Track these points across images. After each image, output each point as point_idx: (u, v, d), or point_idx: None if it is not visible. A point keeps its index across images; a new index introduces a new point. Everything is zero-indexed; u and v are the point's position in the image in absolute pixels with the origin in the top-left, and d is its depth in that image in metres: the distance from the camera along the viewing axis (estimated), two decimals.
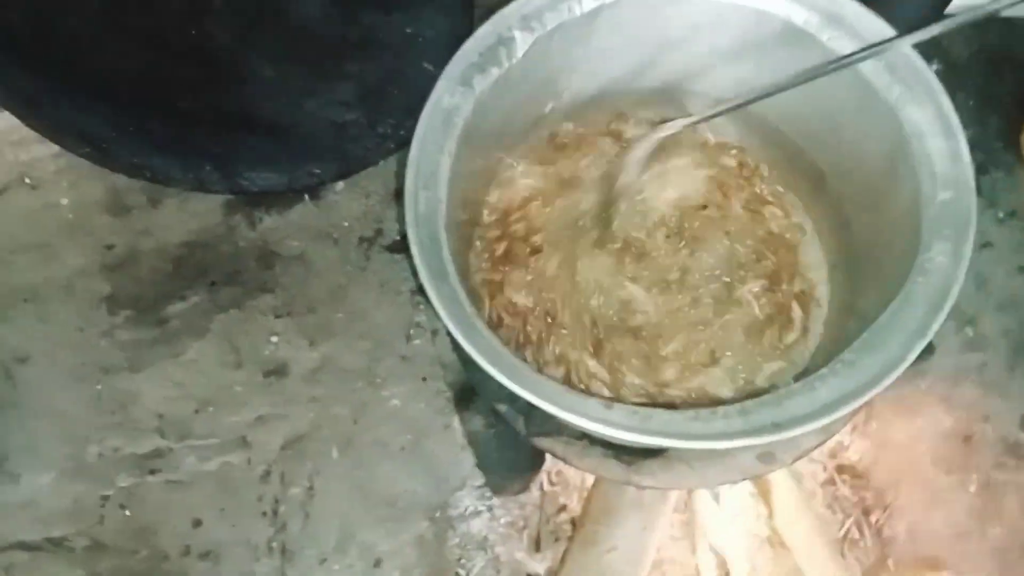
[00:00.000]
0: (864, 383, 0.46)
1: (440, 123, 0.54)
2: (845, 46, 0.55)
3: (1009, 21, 0.86)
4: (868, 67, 0.55)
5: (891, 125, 0.53)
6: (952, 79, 0.85)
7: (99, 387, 0.77)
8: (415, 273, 0.53)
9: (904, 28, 0.55)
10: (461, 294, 0.50)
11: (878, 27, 0.54)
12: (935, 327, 0.46)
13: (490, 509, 0.75)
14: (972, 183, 0.50)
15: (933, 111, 0.52)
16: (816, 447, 0.61)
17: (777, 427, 0.45)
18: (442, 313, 0.48)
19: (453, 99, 0.54)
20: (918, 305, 0.47)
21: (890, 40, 0.50)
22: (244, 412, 0.76)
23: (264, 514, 0.73)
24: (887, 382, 0.45)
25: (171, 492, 0.75)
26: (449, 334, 0.49)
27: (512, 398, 0.63)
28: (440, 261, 0.50)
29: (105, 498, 0.74)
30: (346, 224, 0.82)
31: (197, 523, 0.74)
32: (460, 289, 0.50)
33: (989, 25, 0.86)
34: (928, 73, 0.53)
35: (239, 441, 0.76)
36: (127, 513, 0.75)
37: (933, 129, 0.52)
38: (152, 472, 0.75)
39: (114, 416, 0.76)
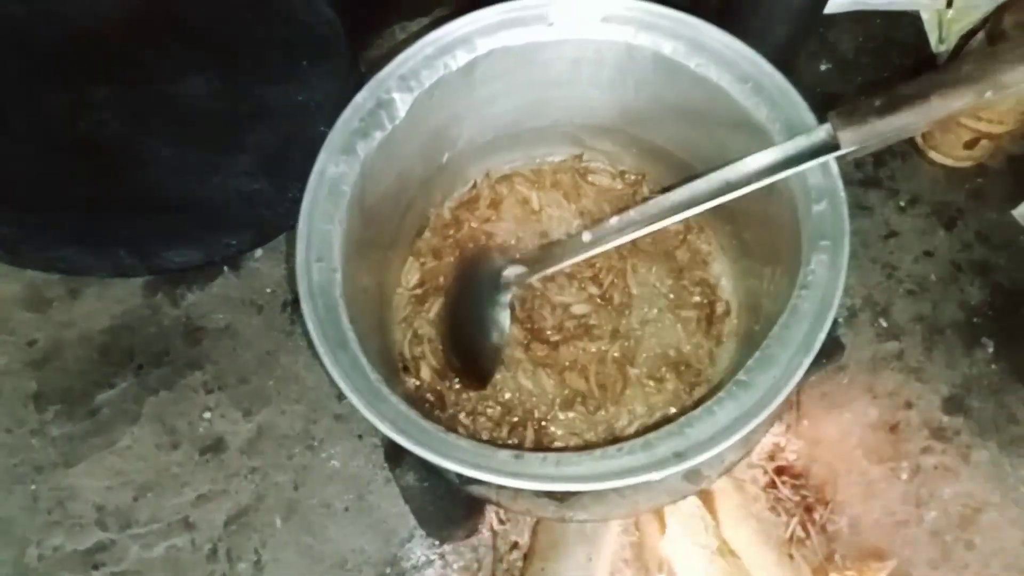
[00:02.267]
0: (757, 402, 0.47)
1: (326, 193, 0.54)
2: (711, 71, 0.57)
3: (888, 13, 0.89)
4: (737, 90, 0.56)
5: (764, 143, 0.55)
6: (841, 75, 0.88)
7: (34, 487, 0.76)
8: None
9: (769, 51, 0.56)
10: (362, 361, 0.50)
11: (740, 51, 0.56)
12: (820, 340, 0.48)
13: (442, 556, 0.75)
14: (842, 194, 0.51)
15: (800, 126, 0.54)
16: (741, 459, 0.62)
17: (679, 456, 0.46)
18: (341, 384, 0.48)
19: (338, 168, 0.55)
20: (803, 320, 0.49)
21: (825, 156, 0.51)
22: (185, 492, 0.76)
23: None
24: (780, 399, 0.47)
25: None
26: None
27: None
28: (339, 330, 0.51)
29: None
30: (268, 290, 0.82)
31: None
32: (361, 356, 0.50)
33: (871, 17, 0.89)
34: (792, 91, 0.55)
35: (182, 523, 0.75)
36: None
37: None
38: (96, 567, 0.74)
39: (52, 515, 0.75)
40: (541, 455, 0.48)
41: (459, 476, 0.62)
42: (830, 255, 0.50)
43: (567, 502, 0.62)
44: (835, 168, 0.52)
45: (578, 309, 0.68)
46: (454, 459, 0.47)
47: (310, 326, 0.50)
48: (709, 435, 0.47)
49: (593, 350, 0.67)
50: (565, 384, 0.66)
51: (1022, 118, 0.74)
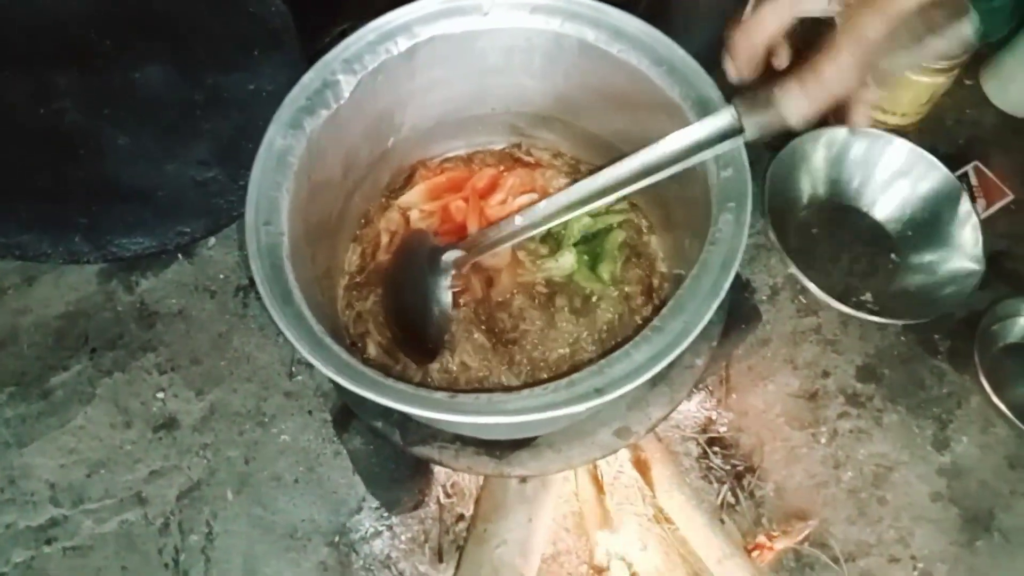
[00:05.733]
0: (670, 343, 0.51)
1: (274, 163, 0.58)
2: (632, 56, 0.62)
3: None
4: (654, 73, 0.62)
5: (681, 119, 0.60)
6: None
7: None
8: None
9: (693, 50, 0.62)
10: (306, 313, 0.53)
11: (656, 37, 0.62)
12: (725, 287, 0.52)
13: (390, 528, 0.78)
14: (745, 160, 0.56)
15: (709, 103, 0.59)
16: (664, 417, 0.66)
17: (599, 391, 0.50)
18: (287, 332, 0.51)
19: (285, 141, 0.59)
20: (711, 271, 0.54)
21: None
22: (137, 469, 0.78)
23: (166, 565, 0.75)
24: (690, 339, 0.51)
25: (71, 559, 0.75)
26: None
27: (385, 413, 0.67)
28: (284, 287, 0.54)
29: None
30: (222, 276, 0.85)
31: None
32: (305, 309, 0.54)
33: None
34: (701, 71, 0.60)
35: (135, 498, 0.77)
36: None
37: None
38: (48, 542, 0.75)
39: (4, 493, 0.77)
40: (474, 395, 0.52)
41: (403, 437, 0.66)
42: (734, 214, 0.55)
43: (506, 458, 0.65)
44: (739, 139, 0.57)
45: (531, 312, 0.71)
46: (392, 397, 0.50)
47: (259, 282, 0.53)
48: (625, 373, 0.51)
49: (542, 328, 0.70)
50: (515, 364, 0.69)
51: (923, 110, 0.81)
